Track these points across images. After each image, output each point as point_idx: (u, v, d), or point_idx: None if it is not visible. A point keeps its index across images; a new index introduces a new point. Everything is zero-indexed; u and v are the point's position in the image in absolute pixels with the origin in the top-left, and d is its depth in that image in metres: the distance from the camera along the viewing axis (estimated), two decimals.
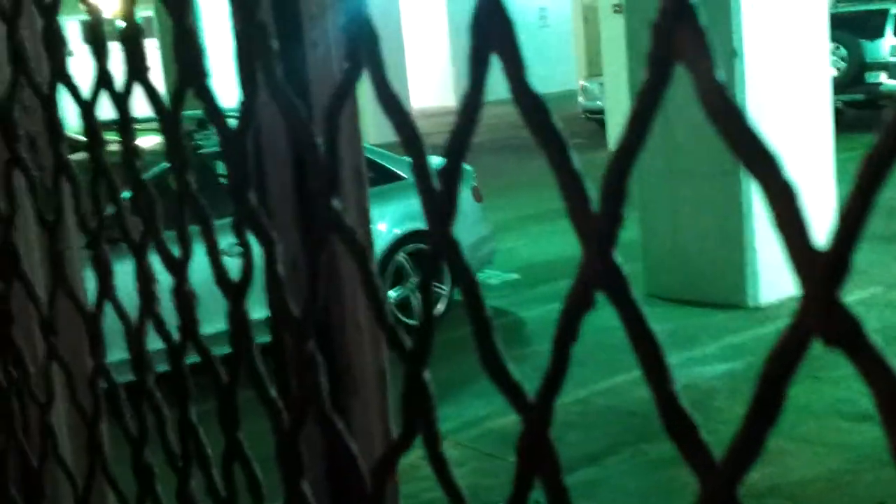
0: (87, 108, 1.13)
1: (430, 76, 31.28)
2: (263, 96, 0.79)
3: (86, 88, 1.13)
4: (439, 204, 0.65)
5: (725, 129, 0.51)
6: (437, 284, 8.81)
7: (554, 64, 30.08)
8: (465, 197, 9.14)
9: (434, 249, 0.67)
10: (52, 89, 1.21)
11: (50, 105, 1.23)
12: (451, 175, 0.63)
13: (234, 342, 0.90)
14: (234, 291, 0.89)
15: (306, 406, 0.80)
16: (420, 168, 0.65)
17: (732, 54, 8.47)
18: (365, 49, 0.67)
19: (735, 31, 8.51)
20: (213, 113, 0.87)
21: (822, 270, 0.47)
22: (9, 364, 1.52)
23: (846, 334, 0.47)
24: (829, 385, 6.82)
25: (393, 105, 0.65)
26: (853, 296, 8.71)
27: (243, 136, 0.84)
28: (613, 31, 17.22)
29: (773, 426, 0.52)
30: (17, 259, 1.42)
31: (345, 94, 0.72)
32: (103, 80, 1.09)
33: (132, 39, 1.01)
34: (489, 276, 9.95)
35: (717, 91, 0.50)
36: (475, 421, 6.81)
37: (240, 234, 0.85)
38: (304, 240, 1.05)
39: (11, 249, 1.42)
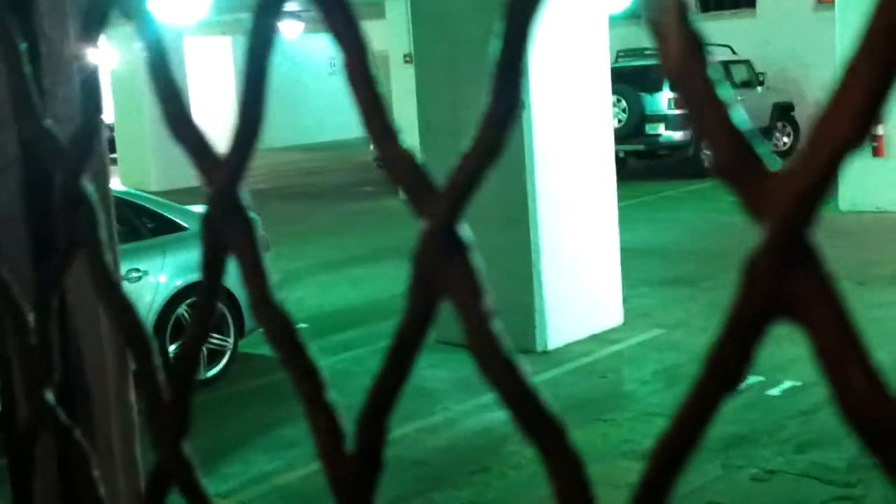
0: None
1: (215, 122, 30.80)
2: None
3: None
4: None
5: (497, 382, 0.46)
6: (219, 337, 8.66)
7: (345, 111, 30.17)
8: None
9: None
10: None
11: None
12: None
13: None
14: None
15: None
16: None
17: (521, 105, 8.65)
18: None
19: (523, 82, 8.69)
20: None
21: None
22: None
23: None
24: (613, 427, 6.99)
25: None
26: (636, 338, 8.98)
27: None
28: (404, 80, 17.40)
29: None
30: None
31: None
32: None
33: None
34: None
35: (487, 337, 0.46)
36: (260, 478, 6.63)
37: None
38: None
39: None
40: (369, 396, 0.50)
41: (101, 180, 1.06)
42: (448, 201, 0.45)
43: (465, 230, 0.46)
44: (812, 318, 0.38)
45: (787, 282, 0.38)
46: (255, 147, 0.55)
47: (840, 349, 0.37)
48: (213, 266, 0.58)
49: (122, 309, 0.67)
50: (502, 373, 0.46)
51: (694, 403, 0.41)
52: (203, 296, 0.60)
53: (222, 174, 0.56)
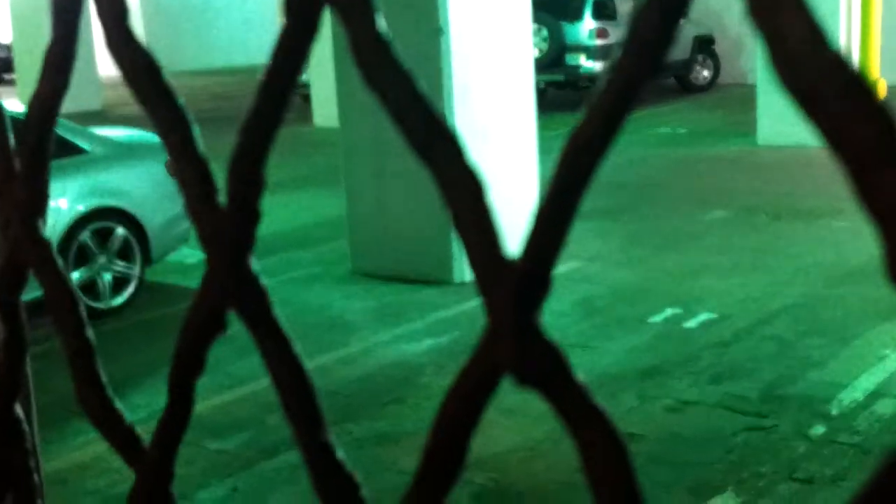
0: None
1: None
2: None
3: None
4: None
5: (388, 99, 0.37)
6: (125, 264, 8.45)
7: (255, 34, 29.62)
8: (158, 171, 8.68)
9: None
10: None
11: None
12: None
13: None
14: None
15: None
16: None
17: (438, 32, 8.50)
18: None
19: (441, 8, 8.53)
20: None
21: (512, 290, 0.35)
22: None
23: (544, 372, 0.35)
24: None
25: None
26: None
27: None
28: None
29: (452, 485, 0.39)
30: None
31: None
32: None
33: None
34: (185, 256, 9.62)
35: (376, 47, 0.37)
36: None
37: None
38: None
39: None
40: (239, 139, 0.40)
41: None
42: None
43: None
44: None
45: None
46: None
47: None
48: None
49: None
50: (386, 77, 0.34)
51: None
52: None
53: None
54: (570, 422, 0.35)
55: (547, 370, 0.35)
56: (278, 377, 0.42)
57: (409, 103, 0.36)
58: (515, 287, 0.34)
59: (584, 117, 0.32)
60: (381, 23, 0.37)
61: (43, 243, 0.48)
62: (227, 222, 0.41)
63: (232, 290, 0.42)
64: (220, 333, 0.44)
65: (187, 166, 0.42)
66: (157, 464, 0.47)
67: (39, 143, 0.47)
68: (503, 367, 0.35)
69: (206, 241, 0.42)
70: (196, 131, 0.43)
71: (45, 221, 0.49)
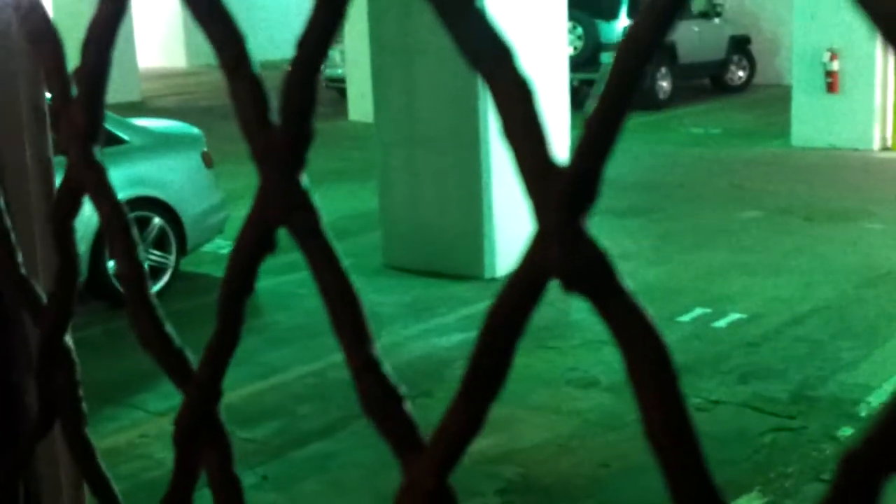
0: None
1: (159, 36, 30.13)
2: None
3: None
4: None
5: (447, 15, 0.38)
6: (161, 254, 8.50)
7: (291, 29, 29.65)
8: (195, 163, 8.77)
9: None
10: None
11: None
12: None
13: None
14: None
15: None
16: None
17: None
18: None
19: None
20: None
21: (561, 191, 0.35)
22: None
23: (591, 275, 0.36)
24: (559, 354, 6.96)
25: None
26: None
27: None
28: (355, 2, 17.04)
29: (495, 395, 0.40)
30: None
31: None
32: None
33: None
34: (220, 246, 9.67)
35: None
36: None
37: None
38: None
39: None
40: (295, 58, 0.41)
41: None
42: None
43: None
44: None
45: None
46: None
47: None
48: None
49: None
50: None
51: None
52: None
53: None
54: (615, 327, 0.36)
55: (594, 275, 0.35)
56: (327, 293, 0.43)
57: (465, 17, 0.37)
58: (563, 191, 0.35)
59: (637, 18, 0.33)
60: None
61: (98, 167, 0.49)
62: (279, 140, 0.42)
63: (283, 207, 0.43)
64: (270, 252, 0.45)
65: (241, 83, 0.43)
66: (205, 385, 0.48)
67: (97, 65, 0.48)
68: (551, 270, 0.36)
69: (259, 160, 0.43)
70: (249, 48, 0.44)
71: (100, 147, 0.50)
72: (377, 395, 0.42)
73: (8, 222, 0.55)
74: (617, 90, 0.34)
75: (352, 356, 0.42)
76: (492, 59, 0.36)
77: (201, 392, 0.48)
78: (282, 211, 0.43)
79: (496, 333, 0.38)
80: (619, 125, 0.35)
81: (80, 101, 0.49)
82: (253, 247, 0.44)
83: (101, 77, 0.49)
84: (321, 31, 0.42)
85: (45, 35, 0.54)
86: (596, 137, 0.35)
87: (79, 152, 0.49)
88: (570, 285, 0.36)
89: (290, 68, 0.43)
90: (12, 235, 0.58)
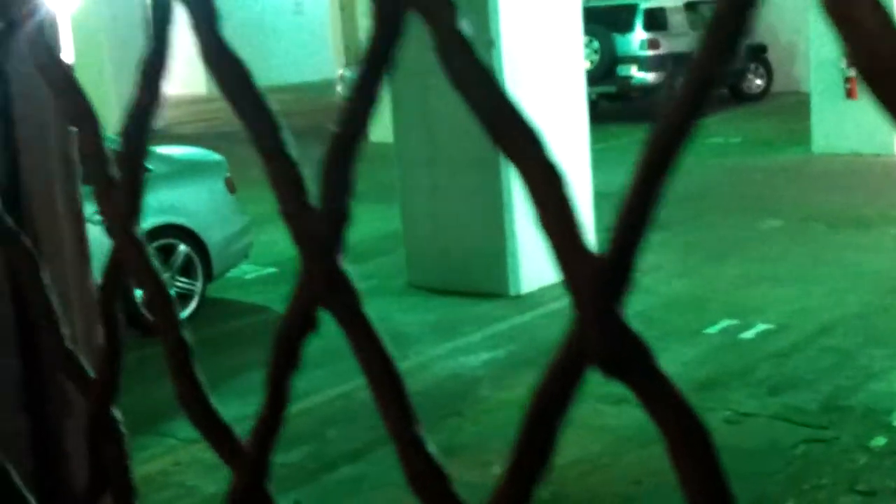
0: None
1: (178, 64, 30.28)
2: None
3: None
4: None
5: (471, 96, 0.39)
6: (187, 281, 8.55)
7: (310, 52, 29.78)
8: (219, 189, 8.82)
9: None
10: None
11: None
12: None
13: None
14: None
15: None
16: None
17: (489, 44, 8.52)
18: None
19: (492, 20, 8.56)
20: None
21: (597, 280, 0.36)
22: None
23: (628, 362, 0.37)
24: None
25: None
26: None
27: None
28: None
29: (539, 480, 0.41)
30: None
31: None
32: None
33: None
34: (245, 272, 9.71)
35: (458, 46, 0.39)
36: (233, 421, 6.58)
37: None
38: None
39: None
40: (331, 142, 0.42)
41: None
42: None
43: None
44: None
45: None
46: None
47: None
48: None
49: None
50: (469, 77, 0.37)
51: None
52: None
53: None
54: (653, 412, 0.37)
55: (631, 360, 0.37)
56: (370, 373, 0.44)
57: (490, 100, 0.39)
58: (599, 278, 0.36)
59: (668, 105, 0.34)
60: (464, 23, 0.39)
61: (140, 246, 0.51)
62: (319, 223, 0.44)
63: (324, 289, 0.44)
64: (312, 331, 0.46)
65: (279, 168, 0.44)
66: (254, 461, 0.49)
67: (136, 150, 0.50)
68: (589, 358, 0.37)
69: (300, 242, 0.44)
70: (286, 135, 0.46)
71: (140, 224, 0.51)
72: (423, 473, 0.43)
73: (54, 300, 0.57)
74: (643, 185, 0.35)
75: (397, 435, 0.43)
76: (522, 146, 0.37)
77: (251, 468, 0.49)
78: (322, 293, 0.44)
79: (539, 420, 0.39)
80: (651, 215, 0.36)
81: (124, 186, 0.51)
82: (296, 327, 0.46)
83: (140, 161, 0.51)
84: (357, 114, 0.44)
85: (84, 117, 0.56)
86: (629, 228, 0.36)
87: (123, 234, 0.50)
88: (608, 372, 0.37)
89: (328, 152, 0.45)
90: (56, 308, 0.60)
